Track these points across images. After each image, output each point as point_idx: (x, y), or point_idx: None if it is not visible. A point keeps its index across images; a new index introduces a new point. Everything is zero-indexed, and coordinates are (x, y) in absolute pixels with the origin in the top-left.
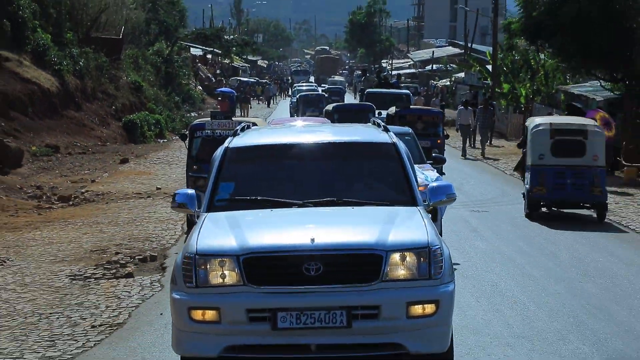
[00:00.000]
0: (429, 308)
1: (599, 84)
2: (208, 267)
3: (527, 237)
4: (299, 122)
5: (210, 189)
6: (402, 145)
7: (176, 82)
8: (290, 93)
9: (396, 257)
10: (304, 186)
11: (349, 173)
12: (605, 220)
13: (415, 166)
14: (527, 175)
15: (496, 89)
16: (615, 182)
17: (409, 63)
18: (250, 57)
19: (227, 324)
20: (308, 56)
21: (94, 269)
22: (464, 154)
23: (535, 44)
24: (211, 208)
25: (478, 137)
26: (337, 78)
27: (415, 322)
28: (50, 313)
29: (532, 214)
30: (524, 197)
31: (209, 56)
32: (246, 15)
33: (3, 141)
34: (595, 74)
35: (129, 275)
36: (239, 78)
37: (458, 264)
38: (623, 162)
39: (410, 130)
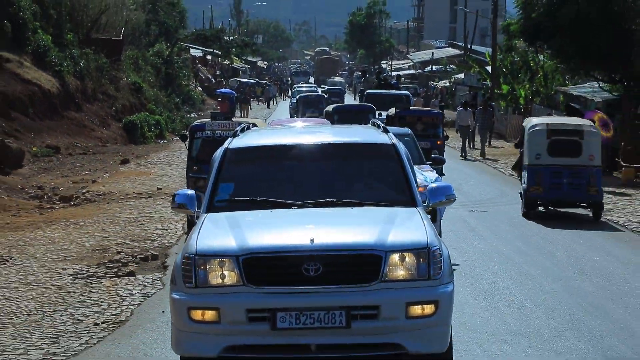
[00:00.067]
0: (428, 308)
1: (597, 85)
2: (207, 267)
3: (524, 237)
4: (299, 123)
5: (210, 190)
6: (401, 146)
7: (176, 83)
8: (290, 94)
9: (395, 257)
10: (304, 187)
11: (349, 174)
12: (603, 220)
13: (415, 167)
14: (524, 174)
15: (495, 90)
16: (613, 183)
17: (408, 64)
18: (250, 58)
19: (226, 324)
20: (308, 57)
21: (96, 267)
22: (463, 155)
23: (534, 45)
24: (211, 209)
25: (477, 138)
26: (336, 79)
27: (414, 322)
28: (54, 311)
29: (529, 213)
30: (521, 196)
31: (209, 57)
32: (246, 16)
33: (4, 142)
34: (594, 75)
35: (131, 273)
36: (238, 79)
37: (457, 265)
38: (621, 162)
39: (409, 131)
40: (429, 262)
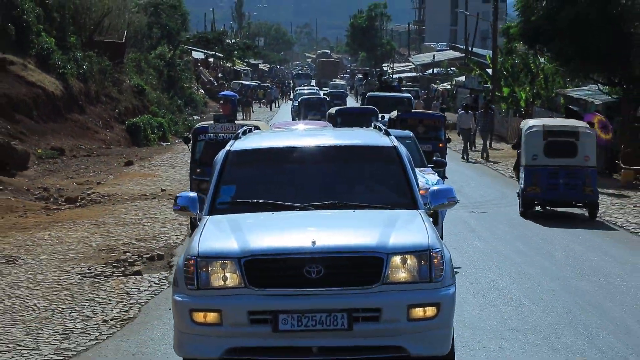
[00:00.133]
0: (430, 311)
1: (597, 88)
2: (209, 269)
3: (524, 237)
4: (301, 125)
5: (212, 192)
6: (402, 149)
7: (178, 86)
8: (292, 96)
9: (397, 259)
10: (305, 189)
11: (350, 176)
12: (601, 220)
13: (416, 170)
14: (522, 175)
15: (496, 93)
16: (612, 185)
17: (410, 67)
18: (251, 61)
19: (228, 326)
20: (309, 60)
21: (104, 267)
22: (464, 157)
23: (534, 48)
24: (213, 211)
25: (479, 141)
26: (338, 82)
27: (416, 324)
28: (63, 308)
29: (527, 212)
30: (518, 196)
31: (211, 60)
32: (247, 18)
33: (10, 144)
34: (593, 77)
35: (138, 273)
36: (240, 82)
37: (459, 268)
38: (621, 165)
39: (411, 134)
40: (431, 264)
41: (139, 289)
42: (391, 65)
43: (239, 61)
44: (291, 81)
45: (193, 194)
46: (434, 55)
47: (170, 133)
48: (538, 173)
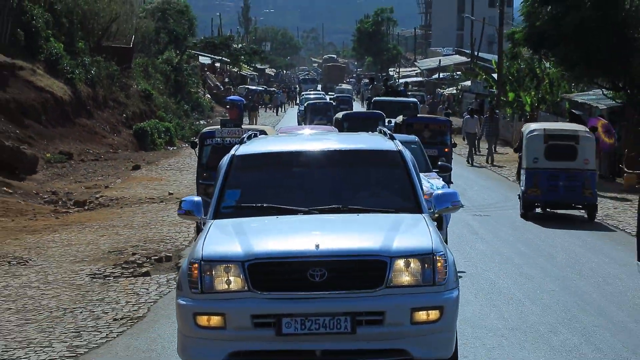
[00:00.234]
0: (433, 314)
1: (601, 93)
2: (213, 273)
3: (525, 239)
4: (307, 130)
5: (217, 196)
6: (407, 153)
7: (185, 91)
8: (298, 101)
9: (400, 263)
10: (310, 193)
11: (355, 180)
12: (602, 223)
13: (421, 174)
14: (523, 177)
15: (502, 98)
16: (615, 188)
17: (416, 71)
18: (258, 66)
19: (232, 329)
20: (315, 64)
21: (113, 268)
22: (470, 162)
23: (539, 52)
24: (217, 215)
25: (484, 145)
26: (344, 86)
27: (419, 328)
28: (74, 308)
29: (527, 214)
30: (519, 198)
31: (218, 64)
32: (254, 23)
33: (19, 148)
34: (597, 82)
35: (146, 274)
36: (247, 86)
37: (464, 272)
38: (625, 169)
39: (416, 138)
40: (434, 268)
41: (147, 289)
42: (397, 70)
43: (246, 66)
44: (297, 86)
45: (198, 198)
46: (440, 59)
47: (177, 138)
48: (539, 175)
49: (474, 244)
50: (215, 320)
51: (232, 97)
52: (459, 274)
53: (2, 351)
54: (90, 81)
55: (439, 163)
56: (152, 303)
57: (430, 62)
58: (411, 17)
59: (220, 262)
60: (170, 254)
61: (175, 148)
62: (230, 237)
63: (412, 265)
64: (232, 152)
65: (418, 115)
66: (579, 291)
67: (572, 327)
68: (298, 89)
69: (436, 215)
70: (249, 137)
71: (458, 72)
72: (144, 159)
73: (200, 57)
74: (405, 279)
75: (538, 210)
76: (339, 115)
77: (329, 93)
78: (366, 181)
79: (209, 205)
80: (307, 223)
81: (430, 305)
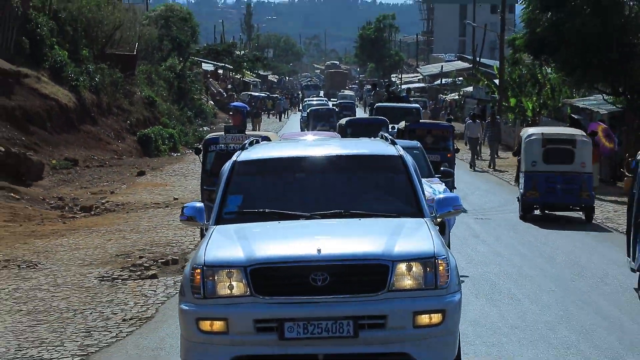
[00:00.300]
0: (436, 318)
1: (602, 98)
2: (216, 278)
3: (526, 241)
4: (310, 136)
5: (219, 202)
6: (409, 158)
7: (188, 97)
8: (301, 107)
9: (402, 267)
10: (312, 198)
11: (356, 185)
12: (600, 224)
13: (423, 180)
14: (521, 180)
15: (503, 103)
16: (616, 192)
17: (418, 77)
18: (261, 72)
19: (234, 334)
20: (318, 71)
21: (120, 271)
22: (472, 166)
23: (539, 58)
24: (219, 221)
25: (486, 150)
26: (347, 92)
27: (422, 331)
28: (84, 309)
29: (526, 216)
30: (518, 200)
31: (220, 71)
32: (256, 30)
33: (26, 154)
34: (598, 87)
35: (154, 276)
36: (250, 93)
37: (466, 276)
38: (626, 173)
39: (418, 144)
40: (436, 271)
41: (155, 290)
42: (400, 76)
43: (249, 72)
44: (300, 92)
45: (200, 204)
46: (442, 65)
47: (181, 144)
48: (537, 178)
49: (475, 246)
50: (217, 325)
51: (235, 103)
52: (461, 278)
53: (15, 350)
54: (95, 88)
55: (442, 168)
56: (160, 304)
57: (433, 68)
58: (413, 23)
59: (222, 268)
60: (177, 257)
61: (179, 154)
62: (232, 243)
63: (414, 269)
64: (233, 158)
65: (420, 121)
66: (577, 291)
67: (570, 325)
68: (301, 96)
69: (439, 220)
70: (251, 143)
71: (460, 78)
72: (148, 165)
73: (203, 64)
74: (407, 282)
75: (537, 212)
76: (343, 121)
77: (332, 99)
78: (368, 186)
79: (211, 211)
80: (309, 228)
81: (432, 308)
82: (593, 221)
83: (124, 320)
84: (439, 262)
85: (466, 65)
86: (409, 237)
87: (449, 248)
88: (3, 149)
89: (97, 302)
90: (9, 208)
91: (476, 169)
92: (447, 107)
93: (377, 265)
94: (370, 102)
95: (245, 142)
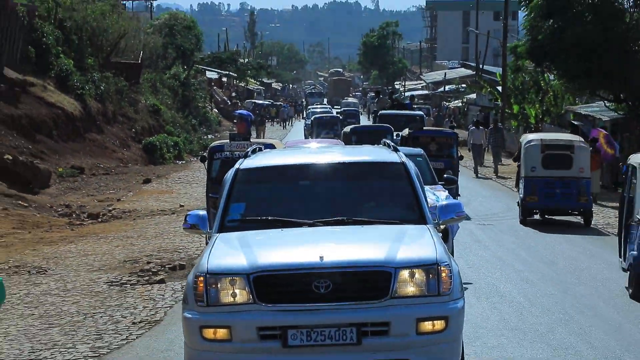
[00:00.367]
0: (439, 324)
1: (604, 104)
2: (219, 286)
3: (527, 246)
4: (313, 144)
5: (222, 210)
6: (411, 165)
7: (193, 105)
8: (305, 115)
9: (405, 273)
10: (314, 206)
11: (359, 192)
12: (604, 231)
13: (426, 187)
14: (521, 185)
15: (506, 110)
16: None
17: (421, 84)
18: (264, 80)
19: (238, 342)
20: (321, 78)
21: (129, 276)
22: (476, 173)
23: (541, 65)
24: (222, 228)
25: (488, 157)
26: (350, 100)
27: (425, 338)
28: (94, 313)
29: (526, 220)
30: (518, 205)
31: (224, 79)
32: (260, 38)
33: (33, 163)
34: (600, 94)
35: (161, 281)
36: (253, 100)
37: (470, 283)
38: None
39: (421, 151)
40: (439, 278)
41: (163, 295)
42: (403, 83)
43: (252, 80)
44: (304, 100)
45: (203, 212)
46: (445, 73)
47: (186, 152)
48: (536, 183)
49: (477, 251)
50: (221, 333)
51: (240, 111)
52: (464, 285)
53: (29, 352)
54: (100, 97)
55: (445, 175)
56: (169, 308)
57: (436, 75)
58: (416, 30)
59: (225, 275)
60: (184, 263)
61: (184, 162)
62: (235, 250)
63: (416, 275)
64: (236, 165)
65: (424, 128)
66: (577, 294)
67: (569, 327)
68: (305, 103)
69: (442, 227)
70: (254, 151)
71: (463, 85)
72: (154, 173)
73: (207, 72)
74: (410, 289)
75: (537, 216)
76: (347, 129)
77: (335, 107)
78: (370, 193)
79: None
80: (312, 235)
81: (435, 315)
82: (594, 226)
83: (134, 323)
84: (442, 268)
85: (469, 72)
86: (412, 244)
87: (452, 255)
88: (11, 157)
89: (107, 306)
90: (18, 215)
91: (479, 175)
92: (451, 115)
93: (379, 272)
94: (374, 109)
95: (248, 150)
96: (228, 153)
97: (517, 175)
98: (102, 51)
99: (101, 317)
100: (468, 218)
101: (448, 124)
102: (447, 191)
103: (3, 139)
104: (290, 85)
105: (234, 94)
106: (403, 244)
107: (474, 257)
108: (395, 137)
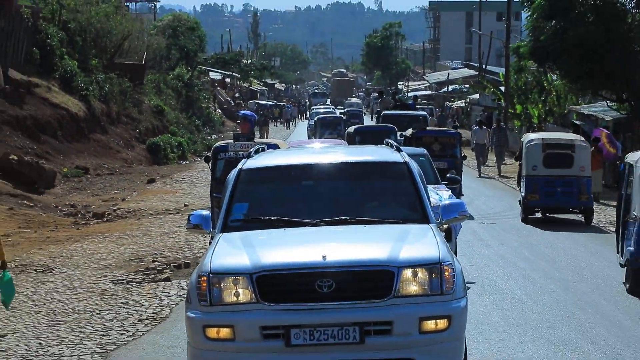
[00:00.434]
0: (442, 323)
1: (606, 104)
2: (222, 285)
3: (529, 245)
4: (317, 144)
5: (225, 210)
6: (414, 164)
7: (196, 106)
8: (308, 115)
9: (408, 273)
10: (317, 205)
11: (362, 192)
12: (605, 229)
13: (430, 187)
14: (522, 184)
15: (509, 110)
16: None
17: (425, 85)
18: (268, 81)
19: (241, 341)
20: (325, 79)
21: (135, 274)
22: (479, 173)
23: (544, 66)
24: (225, 228)
25: (491, 157)
26: (353, 100)
27: (428, 337)
28: (100, 310)
29: (527, 218)
30: (520, 203)
31: (228, 80)
32: (263, 39)
33: (38, 163)
34: (602, 94)
35: (167, 279)
36: (257, 101)
37: (473, 282)
38: None
39: (424, 151)
40: (442, 277)
41: (168, 292)
42: (406, 84)
43: (256, 81)
44: (307, 100)
45: (206, 212)
46: (448, 73)
47: (189, 152)
48: (537, 182)
49: (479, 249)
50: (224, 332)
51: (244, 111)
52: (468, 284)
53: (37, 348)
54: (104, 97)
55: (448, 175)
56: (174, 305)
57: (439, 76)
58: (419, 31)
59: (228, 275)
60: (189, 261)
61: (187, 162)
62: (238, 250)
63: (419, 275)
64: (239, 166)
65: (427, 128)
66: (578, 292)
67: (570, 324)
68: (308, 104)
69: (445, 226)
70: (256, 151)
71: (466, 85)
72: (158, 173)
73: (210, 72)
74: (413, 288)
75: (538, 214)
76: (351, 129)
77: (338, 107)
78: (373, 193)
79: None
80: (315, 235)
81: (438, 314)
82: (595, 224)
83: (140, 320)
84: (445, 267)
85: (472, 72)
86: (415, 243)
87: (456, 254)
88: (16, 158)
89: (113, 303)
90: (23, 215)
91: (482, 175)
92: (454, 115)
93: (382, 272)
94: (377, 109)
95: (251, 150)
96: (232, 153)
97: (518, 173)
98: (106, 52)
99: (107, 314)
100: (471, 217)
101: (451, 124)
102: (450, 191)
103: (8, 139)
104: (294, 86)
105: (237, 95)
106: (406, 244)
107: (477, 255)
108: (398, 137)
